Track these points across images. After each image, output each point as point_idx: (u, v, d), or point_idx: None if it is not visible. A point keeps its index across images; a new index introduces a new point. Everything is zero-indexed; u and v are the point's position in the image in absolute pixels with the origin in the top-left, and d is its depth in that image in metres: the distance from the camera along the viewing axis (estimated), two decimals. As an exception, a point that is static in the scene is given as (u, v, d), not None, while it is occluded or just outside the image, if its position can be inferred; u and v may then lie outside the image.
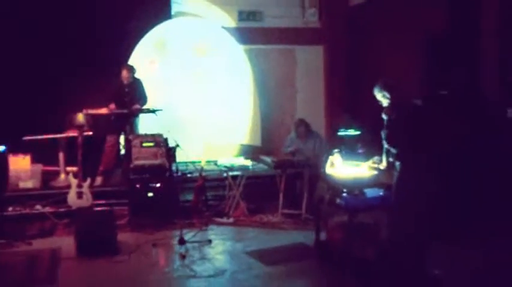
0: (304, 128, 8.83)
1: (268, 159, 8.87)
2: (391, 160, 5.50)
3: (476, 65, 7.39)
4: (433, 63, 7.61)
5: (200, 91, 10.83)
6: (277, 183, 8.53)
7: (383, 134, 5.52)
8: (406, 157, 5.39)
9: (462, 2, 7.64)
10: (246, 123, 11.23)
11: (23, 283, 5.84)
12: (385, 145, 5.53)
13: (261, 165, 9.29)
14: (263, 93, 11.54)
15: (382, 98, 5.62)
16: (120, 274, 6.06)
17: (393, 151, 5.43)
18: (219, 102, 10.92)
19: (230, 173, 8.83)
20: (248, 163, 8.97)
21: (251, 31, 11.57)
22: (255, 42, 11.61)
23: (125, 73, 9.13)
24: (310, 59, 12.02)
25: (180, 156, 8.89)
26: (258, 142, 11.23)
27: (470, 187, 6.72)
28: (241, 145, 10.82)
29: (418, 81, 7.72)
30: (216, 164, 9.20)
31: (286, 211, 8.27)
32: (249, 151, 10.43)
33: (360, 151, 6.06)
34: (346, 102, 11.10)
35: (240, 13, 11.56)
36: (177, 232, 6.97)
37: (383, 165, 5.67)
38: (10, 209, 8.08)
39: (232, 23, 11.50)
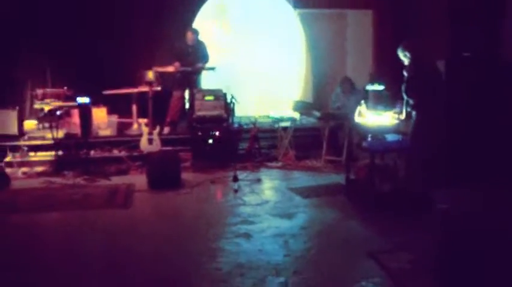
0: (348, 85, 9.81)
1: (315, 112, 9.89)
2: (409, 110, 6.49)
3: (498, 30, 8.18)
4: (458, 27, 8.42)
5: (257, 52, 11.89)
6: (322, 134, 9.60)
7: (403, 87, 6.51)
8: (421, 107, 6.37)
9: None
10: (298, 81, 12.24)
11: (106, 206, 7.16)
12: (405, 97, 6.52)
13: (311, 119, 10.38)
14: (315, 54, 12.42)
15: (404, 57, 6.60)
16: (184, 203, 7.32)
17: (411, 102, 6.41)
18: (273, 61, 11.96)
19: (280, 124, 9.93)
20: (296, 115, 10.05)
21: (305, -4, 12.42)
22: (308, 7, 12.31)
23: (189, 35, 10.22)
24: (360, 23, 12.70)
25: (238, 110, 9.99)
26: (309, 98, 12.20)
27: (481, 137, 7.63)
28: (294, 100, 11.79)
29: (444, 43, 8.56)
30: (268, 116, 10.31)
31: (328, 158, 9.35)
32: (302, 107, 11.36)
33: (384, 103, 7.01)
34: (392, 63, 11.91)
35: (295, -21, 12.43)
36: (233, 173, 8.15)
37: (402, 115, 6.66)
38: (92, 152, 9.39)
39: (287, -12, 12.40)
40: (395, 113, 6.77)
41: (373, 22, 12.65)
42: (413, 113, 6.46)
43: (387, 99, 7.04)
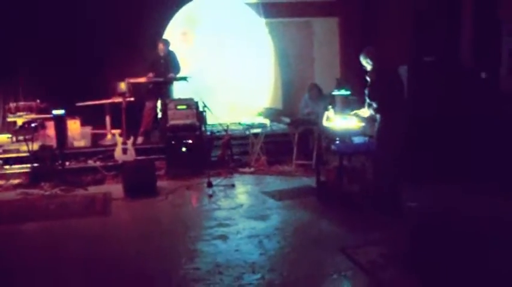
0: (316, 91, 10.11)
1: (284, 119, 10.20)
2: (372, 113, 6.80)
3: (456, 37, 8.61)
4: (420, 34, 8.83)
5: (226, 60, 12.18)
6: (292, 139, 9.88)
7: (366, 91, 6.82)
8: (384, 110, 6.68)
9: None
10: (268, 88, 12.53)
11: (84, 214, 7.34)
12: (367, 100, 6.83)
13: (281, 125, 10.67)
14: (284, 61, 12.78)
15: (366, 64, 6.90)
16: (161, 209, 7.53)
17: (374, 105, 6.72)
18: (243, 70, 12.25)
19: (251, 131, 10.20)
20: (267, 121, 10.34)
21: (272, 6, 12.56)
22: (275, 16, 12.65)
23: (160, 46, 10.45)
24: (327, 30, 13.07)
25: (210, 118, 10.20)
26: (279, 105, 12.50)
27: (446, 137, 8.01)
28: (264, 108, 12.07)
29: (407, 49, 8.95)
30: (239, 123, 10.57)
31: (299, 162, 9.63)
32: (271, 113, 11.60)
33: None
34: (358, 68, 12.27)
35: (262, -10, 12.75)
36: (207, 179, 8.38)
37: (364, 112, 6.97)
38: (67, 163, 9.52)
39: (254, -1, 12.71)
40: (357, 112, 7.04)
41: (339, 29, 13.01)
42: (377, 116, 6.74)
43: (354, 104, 7.35)
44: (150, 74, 10.28)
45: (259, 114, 11.18)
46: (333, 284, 4.93)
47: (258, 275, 5.01)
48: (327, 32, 13.09)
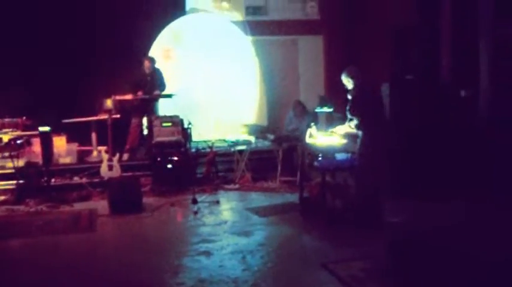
0: (300, 108, 10.26)
1: (269, 135, 10.32)
2: (354, 129, 6.94)
3: (436, 56, 8.80)
4: (401, 53, 9.03)
5: (212, 77, 12.25)
6: (276, 156, 10.00)
7: (347, 107, 6.97)
8: (365, 127, 6.83)
9: (426, 4, 9.04)
10: (253, 105, 12.66)
11: (70, 230, 7.40)
12: (349, 116, 6.97)
13: (266, 142, 10.79)
14: (269, 78, 12.92)
15: (347, 82, 7.06)
16: (146, 225, 7.61)
17: (355, 121, 6.86)
18: (228, 87, 12.36)
19: (236, 148, 10.31)
20: (252, 138, 10.46)
21: (257, 24, 12.88)
22: (261, 34, 12.92)
23: (146, 64, 10.57)
24: (311, 48, 13.30)
25: (195, 135, 10.28)
26: (264, 122, 12.61)
27: (425, 152, 8.16)
28: (249, 124, 12.16)
29: (388, 67, 9.15)
30: (224, 140, 10.69)
31: (283, 178, 9.75)
32: (257, 130, 11.70)
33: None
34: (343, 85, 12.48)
35: (247, 8, 12.91)
36: (192, 196, 8.46)
37: (341, 130, 7.11)
38: (53, 180, 9.57)
39: (239, 17, 12.88)
40: (337, 129, 7.20)
41: (323, 47, 13.21)
42: (359, 132, 6.88)
43: (337, 121, 7.50)
44: (140, 92, 10.37)
45: (245, 131, 11.28)
46: (314, 299, 5.03)
47: (241, 290, 5.09)
48: (312, 50, 13.30)
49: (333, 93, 12.44)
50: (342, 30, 12.75)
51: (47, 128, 9.12)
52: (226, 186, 9.75)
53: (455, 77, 8.59)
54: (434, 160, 8.16)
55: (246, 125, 11.72)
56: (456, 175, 7.99)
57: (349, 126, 6.96)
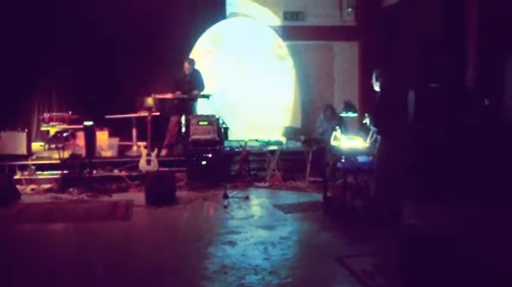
0: (330, 112, 10.64)
1: (302, 137, 10.74)
2: (375, 135, 7.35)
3: (461, 65, 9.12)
4: (428, 62, 9.35)
5: (249, 80, 12.83)
6: (306, 157, 10.43)
7: (368, 116, 7.39)
8: (385, 133, 7.22)
9: (452, 14, 9.37)
10: (288, 108, 13.12)
11: (108, 218, 7.98)
12: (371, 126, 7.39)
13: (298, 143, 11.23)
14: (304, 83, 13.37)
15: (374, 84, 7.48)
16: (178, 216, 8.13)
17: (375, 128, 7.27)
18: (264, 89, 12.87)
19: (268, 148, 10.78)
20: (283, 139, 10.92)
21: (294, 29, 13.36)
22: (298, 39, 13.40)
23: (186, 65, 11.13)
24: (347, 54, 13.74)
25: (230, 134, 10.79)
26: (298, 124, 13.04)
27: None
28: (284, 126, 12.60)
29: (416, 75, 9.49)
30: (257, 140, 11.17)
31: (311, 179, 10.17)
32: (291, 132, 12.14)
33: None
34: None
35: (285, 13, 13.41)
36: (223, 191, 8.96)
37: (367, 140, 7.54)
38: (95, 171, 10.21)
39: (278, 22, 13.35)
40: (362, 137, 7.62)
41: (358, 53, 13.60)
42: (378, 137, 7.29)
43: (362, 125, 7.90)
44: (178, 92, 10.91)
45: (279, 133, 11.74)
46: (326, 288, 5.47)
47: (259, 277, 5.56)
48: (347, 56, 13.74)
49: (366, 98, 12.88)
50: (377, 38, 13.10)
51: (91, 123, 9.71)
52: (257, 183, 10.22)
53: (480, 86, 8.89)
54: (459, 167, 8.43)
55: (281, 127, 12.18)
56: (480, 182, 8.26)
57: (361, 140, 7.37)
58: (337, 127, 7.92)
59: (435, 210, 8.02)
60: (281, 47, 13.11)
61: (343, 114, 8.05)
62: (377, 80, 7.45)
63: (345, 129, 7.96)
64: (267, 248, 6.48)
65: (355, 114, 7.94)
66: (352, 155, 7.64)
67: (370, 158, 7.56)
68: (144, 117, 10.88)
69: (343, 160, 7.65)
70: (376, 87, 7.47)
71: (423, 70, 9.30)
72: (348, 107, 8.05)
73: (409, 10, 11.49)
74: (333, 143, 7.94)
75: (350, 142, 7.78)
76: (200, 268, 5.83)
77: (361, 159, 7.59)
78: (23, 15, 11.82)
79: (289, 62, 13.11)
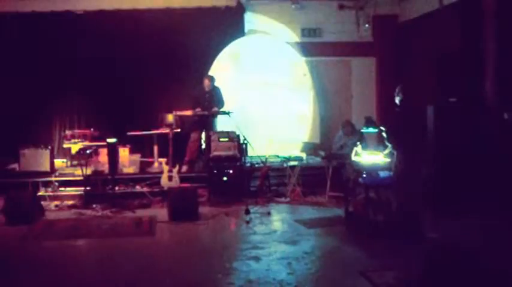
0: (349, 127, 10.74)
1: (321, 152, 10.84)
2: (393, 152, 7.45)
3: (480, 80, 9.18)
4: (446, 77, 9.46)
5: (267, 96, 12.94)
6: (326, 172, 10.51)
7: (384, 132, 7.50)
8: (400, 150, 7.33)
9: (470, 30, 9.46)
10: (306, 123, 13.21)
11: (133, 234, 8.10)
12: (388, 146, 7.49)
13: (317, 159, 11.33)
14: (322, 98, 13.46)
15: (397, 97, 7.60)
16: (201, 232, 8.25)
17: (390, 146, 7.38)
18: (283, 105, 12.98)
19: (288, 163, 10.87)
20: (303, 155, 11.01)
21: (312, 45, 13.50)
22: (315, 55, 13.54)
23: (206, 82, 11.26)
24: (364, 69, 13.81)
25: (250, 151, 10.89)
26: (317, 140, 13.12)
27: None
28: (303, 142, 12.69)
29: (434, 90, 9.59)
30: (277, 156, 11.27)
31: (332, 194, 10.24)
32: (309, 147, 12.24)
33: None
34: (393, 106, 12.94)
35: (303, 30, 13.54)
36: (245, 207, 9.07)
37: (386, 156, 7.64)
38: (117, 188, 10.33)
39: (295, 38, 13.49)
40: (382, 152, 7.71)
41: (375, 68, 13.68)
42: (395, 153, 7.39)
43: (382, 141, 7.99)
44: (198, 109, 11.03)
45: (298, 149, 11.84)
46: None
47: (285, 291, 5.66)
48: (365, 71, 13.80)
49: (384, 113, 12.97)
50: (394, 53, 13.20)
51: (113, 140, 9.86)
52: (278, 199, 10.31)
53: (498, 100, 8.95)
54: (478, 180, 8.49)
55: (300, 142, 12.29)
56: (500, 195, 8.31)
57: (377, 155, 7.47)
58: (358, 143, 8.01)
59: (455, 223, 8.09)
60: (299, 63, 13.21)
61: (364, 130, 8.13)
62: (397, 95, 7.55)
63: (365, 145, 8.02)
64: (291, 262, 6.56)
65: (376, 130, 8.02)
66: (373, 170, 7.72)
67: (391, 173, 7.62)
68: (165, 134, 11.00)
69: (364, 175, 7.72)
70: (397, 100, 7.59)
71: (441, 85, 9.39)
72: (369, 123, 8.15)
73: (426, 25, 11.59)
74: (354, 158, 8.02)
75: (371, 157, 7.86)
76: (226, 283, 5.91)
77: (382, 174, 7.66)
78: (44, 35, 12.17)
79: (308, 78, 13.20)
